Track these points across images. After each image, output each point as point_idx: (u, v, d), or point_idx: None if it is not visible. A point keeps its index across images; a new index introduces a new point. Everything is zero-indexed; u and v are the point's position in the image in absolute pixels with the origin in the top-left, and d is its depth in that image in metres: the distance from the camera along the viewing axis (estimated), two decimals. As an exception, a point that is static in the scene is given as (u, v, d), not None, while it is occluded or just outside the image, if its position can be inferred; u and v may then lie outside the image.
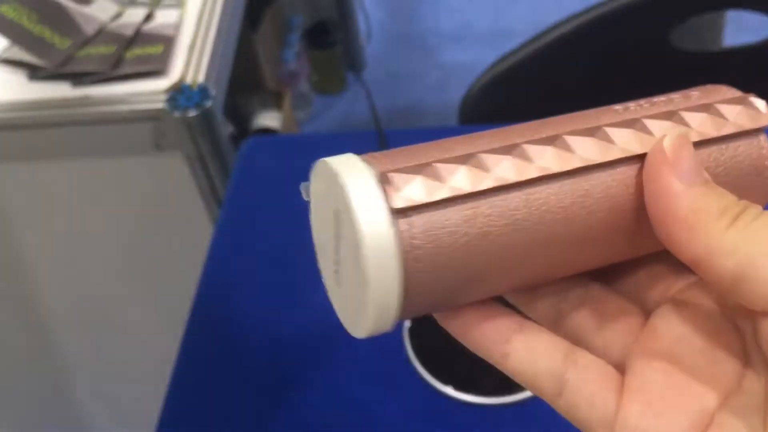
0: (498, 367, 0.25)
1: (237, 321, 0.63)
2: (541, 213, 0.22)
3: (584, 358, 0.25)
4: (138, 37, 0.89)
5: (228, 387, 0.60)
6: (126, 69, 0.85)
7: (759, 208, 0.22)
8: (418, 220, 0.20)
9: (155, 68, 0.84)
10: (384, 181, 0.20)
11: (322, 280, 0.25)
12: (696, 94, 0.26)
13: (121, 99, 0.83)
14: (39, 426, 1.24)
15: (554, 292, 0.27)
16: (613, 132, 0.24)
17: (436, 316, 0.25)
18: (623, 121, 0.24)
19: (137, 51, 0.87)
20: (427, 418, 0.55)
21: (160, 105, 0.82)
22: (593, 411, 0.24)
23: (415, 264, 0.21)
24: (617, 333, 0.26)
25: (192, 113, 0.81)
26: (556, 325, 0.27)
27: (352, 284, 0.22)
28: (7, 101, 0.84)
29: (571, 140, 0.23)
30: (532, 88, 0.87)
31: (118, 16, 0.92)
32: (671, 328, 0.24)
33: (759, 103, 0.25)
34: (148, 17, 0.92)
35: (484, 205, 0.21)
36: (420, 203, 0.20)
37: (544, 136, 0.23)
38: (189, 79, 0.84)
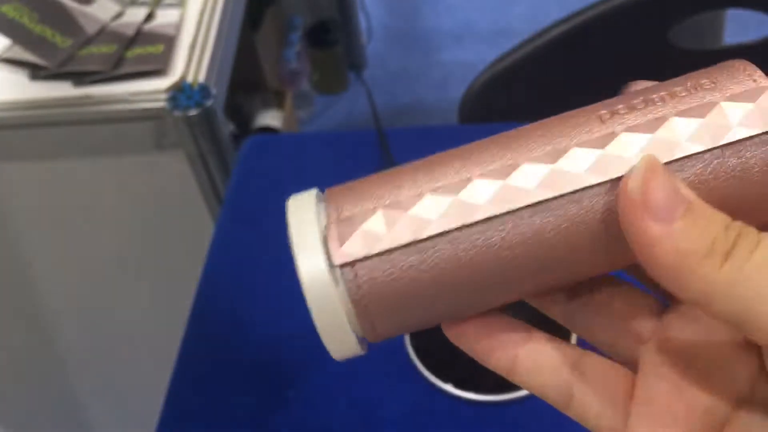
0: (507, 378, 0.25)
1: (237, 320, 0.63)
2: (492, 252, 0.21)
3: (593, 367, 0.24)
4: (139, 36, 0.89)
5: (228, 387, 0.60)
6: (127, 68, 0.85)
7: (755, 232, 0.19)
8: (362, 269, 0.21)
9: (156, 67, 0.84)
10: (329, 237, 0.21)
11: None
12: (706, 83, 0.22)
13: (122, 98, 0.83)
14: (39, 426, 1.24)
15: (567, 294, 0.26)
16: (578, 156, 0.21)
17: (442, 327, 0.25)
18: (597, 138, 0.21)
19: (138, 50, 0.87)
20: (427, 415, 0.55)
21: (160, 104, 0.82)
22: (602, 422, 0.24)
23: (366, 308, 0.22)
24: (629, 333, 0.25)
25: (193, 112, 0.81)
26: (569, 322, 0.26)
27: None
28: (9, 100, 0.84)
29: (529, 170, 0.21)
30: (531, 86, 0.87)
31: (119, 15, 0.92)
32: (683, 333, 0.24)
33: None
34: (149, 17, 0.92)
35: (429, 250, 0.21)
36: (362, 257, 0.21)
37: (498, 166, 0.21)
38: (190, 79, 0.84)
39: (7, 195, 0.93)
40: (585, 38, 0.84)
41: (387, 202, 0.22)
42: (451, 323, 0.24)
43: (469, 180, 0.21)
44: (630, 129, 0.21)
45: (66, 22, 0.88)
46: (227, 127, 0.90)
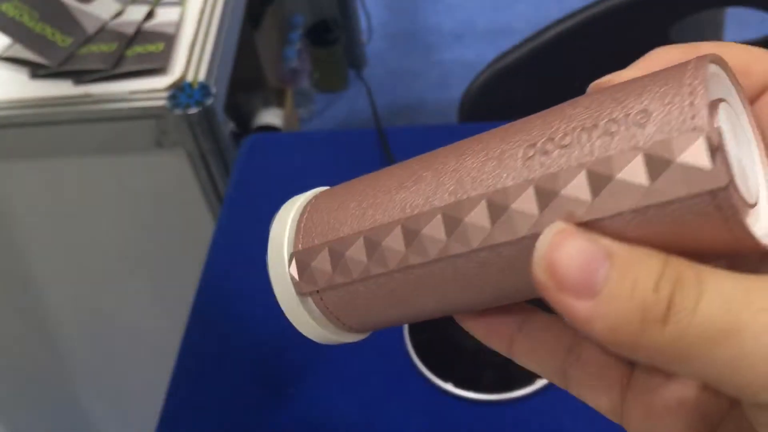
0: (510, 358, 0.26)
1: (237, 320, 0.63)
2: (420, 281, 0.23)
3: (588, 351, 0.24)
4: (139, 35, 0.89)
5: (228, 386, 0.60)
6: (127, 67, 0.85)
7: (693, 279, 0.17)
8: (327, 294, 0.25)
9: (156, 66, 0.84)
10: (291, 267, 0.25)
11: None
12: (636, 112, 0.18)
13: (122, 97, 0.83)
14: (40, 425, 1.24)
15: None
16: (485, 210, 0.20)
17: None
18: (511, 187, 0.20)
19: (138, 49, 0.87)
20: (427, 414, 0.55)
21: (161, 102, 0.82)
22: (600, 404, 0.24)
23: (333, 314, 0.25)
24: None
25: (193, 111, 0.81)
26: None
27: None
28: (9, 99, 0.84)
29: (436, 223, 0.22)
30: (531, 85, 0.87)
31: (119, 14, 0.92)
32: None
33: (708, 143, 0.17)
34: (149, 15, 0.92)
35: (369, 281, 0.24)
36: (317, 290, 0.25)
37: (418, 211, 0.22)
38: (190, 77, 0.84)
39: (8, 194, 0.93)
40: (585, 37, 0.84)
41: (335, 236, 0.24)
42: None
43: (397, 223, 0.23)
44: (543, 179, 0.19)
45: (66, 20, 0.88)
46: (227, 126, 0.90)
